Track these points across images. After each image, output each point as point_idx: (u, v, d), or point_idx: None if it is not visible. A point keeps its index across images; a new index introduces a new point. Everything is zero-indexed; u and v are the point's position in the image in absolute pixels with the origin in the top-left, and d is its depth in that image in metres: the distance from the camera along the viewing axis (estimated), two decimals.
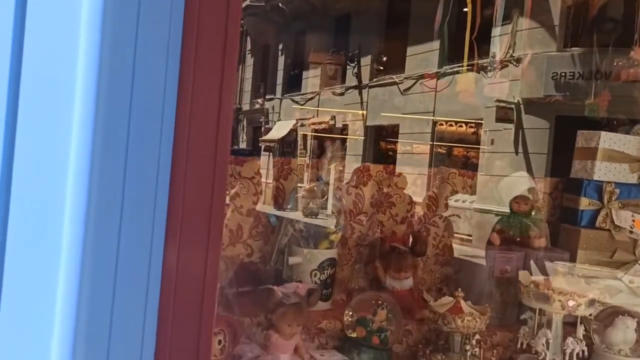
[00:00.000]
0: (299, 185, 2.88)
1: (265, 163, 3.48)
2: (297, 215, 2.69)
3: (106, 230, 0.85)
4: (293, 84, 15.45)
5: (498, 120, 12.39)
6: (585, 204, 2.71)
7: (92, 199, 0.82)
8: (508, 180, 2.90)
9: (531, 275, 2.48)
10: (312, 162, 2.89)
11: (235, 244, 2.65)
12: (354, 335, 2.36)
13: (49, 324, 0.81)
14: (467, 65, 11.37)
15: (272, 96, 15.99)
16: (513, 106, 11.81)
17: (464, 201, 7.05)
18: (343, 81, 14.29)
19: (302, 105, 14.83)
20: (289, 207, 2.59)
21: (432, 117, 11.98)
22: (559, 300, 2.29)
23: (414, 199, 2.86)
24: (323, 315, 2.53)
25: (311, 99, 14.78)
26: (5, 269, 0.82)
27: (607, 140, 2.68)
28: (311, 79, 14.84)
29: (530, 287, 2.35)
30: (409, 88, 12.89)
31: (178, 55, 0.88)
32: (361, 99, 13.85)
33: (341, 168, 2.89)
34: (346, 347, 2.36)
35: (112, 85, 0.83)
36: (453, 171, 2.75)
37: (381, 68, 13.66)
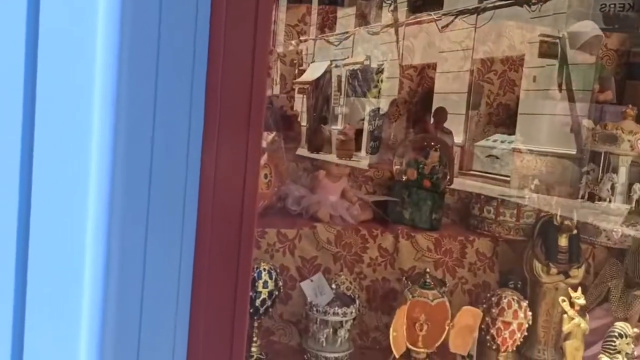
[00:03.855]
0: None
1: (300, 105, 3.36)
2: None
3: (141, 128, 0.80)
4: (327, 24, 15.17)
5: (541, 55, 12.00)
6: None
7: (122, 104, 0.76)
8: (572, 28, 2.71)
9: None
10: (358, 12, 2.73)
11: (279, 95, 2.55)
12: (404, 178, 2.24)
13: (82, 219, 0.77)
14: None
15: (306, 37, 15.75)
16: (557, 41, 11.40)
17: (502, 141, 6.85)
18: (379, 20, 13.97)
19: (336, 45, 14.55)
20: (333, 41, 2.45)
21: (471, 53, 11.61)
22: (628, 140, 2.12)
23: None
24: (370, 166, 2.42)
25: (346, 39, 14.48)
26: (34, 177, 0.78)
27: None
28: (346, 18, 14.53)
29: (597, 129, 2.19)
30: (447, 25, 12.53)
31: None
32: (397, 37, 13.52)
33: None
34: (395, 190, 2.24)
35: None
36: (510, 23, 2.57)
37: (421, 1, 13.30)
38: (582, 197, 2.28)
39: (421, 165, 2.22)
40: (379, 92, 2.43)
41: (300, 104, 3.31)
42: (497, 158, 5.05)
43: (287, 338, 1.99)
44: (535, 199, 2.21)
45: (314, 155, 2.53)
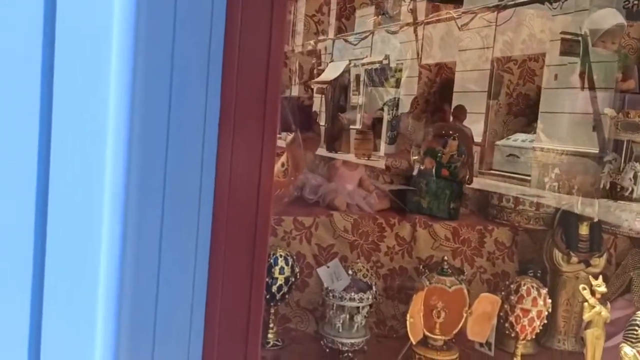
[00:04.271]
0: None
1: (319, 105, 3.34)
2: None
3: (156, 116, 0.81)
4: (345, 14, 15.20)
5: (562, 53, 11.84)
6: None
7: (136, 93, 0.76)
8: (593, 16, 2.66)
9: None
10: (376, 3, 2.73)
11: (297, 86, 2.55)
12: (422, 167, 2.22)
13: (99, 199, 0.78)
14: None
15: (325, 37, 15.76)
16: (580, 38, 11.24)
17: (523, 140, 6.78)
18: (398, 18, 13.93)
19: (355, 45, 14.54)
20: (352, 41, 2.45)
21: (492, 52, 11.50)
22: None
23: None
24: (387, 156, 2.40)
25: (364, 38, 14.47)
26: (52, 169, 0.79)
27: None
28: (364, 17, 14.52)
29: (619, 117, 2.15)
30: (467, 23, 12.43)
31: None
32: (416, 36, 13.45)
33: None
34: (413, 180, 2.23)
35: None
36: (530, 12, 2.54)
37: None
38: (604, 187, 2.24)
39: (439, 155, 2.20)
40: (397, 81, 2.41)
41: (319, 103, 3.30)
42: (518, 157, 5.01)
43: (304, 325, 1.99)
44: (557, 196, 2.18)
45: (332, 155, 2.52)
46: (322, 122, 2.96)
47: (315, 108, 2.98)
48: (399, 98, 2.44)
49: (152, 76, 0.78)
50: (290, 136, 2.24)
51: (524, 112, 2.63)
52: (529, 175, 3.66)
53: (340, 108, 2.50)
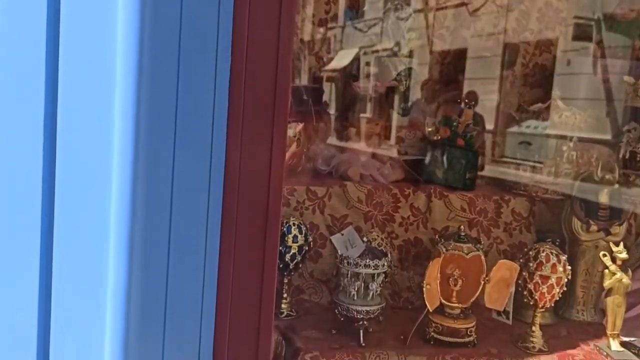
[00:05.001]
0: None
1: (329, 94, 3.27)
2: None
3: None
4: (355, 10, 15.09)
5: (575, 38, 11.67)
6: None
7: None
8: None
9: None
10: None
11: (307, 55, 2.52)
12: (437, 137, 2.18)
13: (106, 184, 0.78)
14: None
15: (334, 24, 15.67)
16: (593, 23, 11.05)
17: (535, 127, 6.71)
18: (408, 4, 13.80)
19: (364, 32, 14.43)
20: (364, 9, 2.41)
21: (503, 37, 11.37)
22: None
23: None
24: (402, 128, 2.36)
25: (374, 25, 14.37)
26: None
27: None
28: (374, 3, 14.40)
29: (638, 84, 2.10)
30: (478, 8, 12.29)
31: None
32: (427, 22, 13.33)
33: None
34: (428, 149, 2.19)
35: None
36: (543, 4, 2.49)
37: None
38: (624, 156, 2.19)
39: (455, 124, 2.15)
40: (410, 51, 2.37)
41: (328, 92, 3.26)
42: (530, 144, 4.95)
43: (318, 296, 1.96)
44: (575, 164, 2.12)
45: (343, 144, 2.48)
46: (332, 111, 2.91)
47: (324, 98, 2.94)
48: (411, 68, 2.40)
49: (159, 64, 0.77)
50: (302, 107, 2.21)
51: (540, 83, 2.58)
52: (541, 163, 3.58)
53: (353, 77, 2.46)
